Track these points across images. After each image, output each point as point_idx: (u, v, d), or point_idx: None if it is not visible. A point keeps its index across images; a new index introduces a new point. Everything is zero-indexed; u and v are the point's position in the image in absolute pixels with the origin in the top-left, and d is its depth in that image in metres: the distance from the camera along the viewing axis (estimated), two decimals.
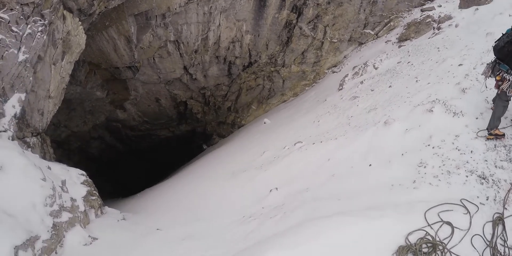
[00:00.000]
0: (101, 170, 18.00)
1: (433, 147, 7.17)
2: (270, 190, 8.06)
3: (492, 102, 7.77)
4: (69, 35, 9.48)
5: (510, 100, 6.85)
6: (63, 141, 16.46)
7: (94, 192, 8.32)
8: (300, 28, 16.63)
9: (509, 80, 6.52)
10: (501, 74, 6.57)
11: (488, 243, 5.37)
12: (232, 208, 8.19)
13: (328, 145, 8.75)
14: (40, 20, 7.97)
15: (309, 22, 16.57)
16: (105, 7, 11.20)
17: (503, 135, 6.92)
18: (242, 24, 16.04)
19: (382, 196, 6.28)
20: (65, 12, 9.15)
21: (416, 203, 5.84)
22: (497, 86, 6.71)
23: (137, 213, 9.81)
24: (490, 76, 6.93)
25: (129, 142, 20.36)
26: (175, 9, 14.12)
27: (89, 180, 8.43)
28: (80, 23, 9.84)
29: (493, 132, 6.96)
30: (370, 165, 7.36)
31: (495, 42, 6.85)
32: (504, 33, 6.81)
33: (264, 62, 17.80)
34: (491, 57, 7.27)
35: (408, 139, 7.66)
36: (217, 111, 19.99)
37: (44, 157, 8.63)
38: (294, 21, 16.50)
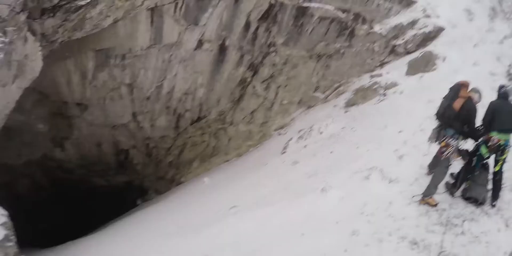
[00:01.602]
0: (25, 211, 16.97)
1: (366, 215, 7.48)
2: None
3: (427, 168, 8.33)
4: (26, 58, 9.33)
5: (449, 166, 7.38)
6: None
7: (12, 237, 7.65)
8: (254, 87, 17.31)
9: (453, 146, 7.07)
10: (446, 140, 7.10)
11: None
12: None
13: (264, 210, 8.90)
14: (1, 37, 7.94)
15: (263, 81, 17.31)
16: (69, 37, 11.22)
17: (435, 205, 7.39)
18: (198, 76, 16.45)
19: None
20: (28, 33, 9.11)
21: None
22: (441, 153, 7.21)
23: None
24: (435, 142, 7.48)
25: (61, 185, 19.54)
26: (137, 51, 14.34)
27: (10, 222, 7.80)
28: (40, 48, 9.76)
29: (426, 199, 7.42)
30: (303, 234, 7.52)
31: (438, 108, 7.49)
32: (443, 97, 7.50)
33: (213, 118, 18.15)
34: (431, 123, 7.85)
35: (343, 207, 7.97)
36: (158, 164, 19.80)
37: None
38: (249, 79, 17.20)
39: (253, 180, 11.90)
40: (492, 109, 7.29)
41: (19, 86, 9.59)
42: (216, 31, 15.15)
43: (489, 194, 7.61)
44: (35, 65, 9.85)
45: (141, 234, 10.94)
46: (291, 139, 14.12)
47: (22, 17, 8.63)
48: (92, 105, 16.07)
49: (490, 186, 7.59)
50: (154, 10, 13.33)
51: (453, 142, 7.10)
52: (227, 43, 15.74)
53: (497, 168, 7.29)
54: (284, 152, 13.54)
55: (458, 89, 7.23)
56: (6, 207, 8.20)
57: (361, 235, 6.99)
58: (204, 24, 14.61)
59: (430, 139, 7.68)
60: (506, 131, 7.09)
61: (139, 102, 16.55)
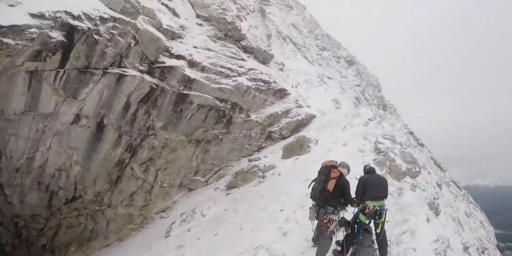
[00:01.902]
0: None
1: None
2: None
3: (312, 241, 8.78)
4: None
5: (333, 237, 7.87)
6: None
7: None
8: (132, 169, 17.02)
9: (335, 220, 7.63)
10: (327, 217, 7.62)
11: None
12: None
13: None
14: None
15: (142, 164, 17.16)
16: None
17: None
18: (73, 152, 15.81)
19: None
20: None
21: None
22: (326, 228, 7.70)
23: None
24: (316, 219, 7.97)
25: None
26: (9, 115, 13.47)
27: None
28: None
29: None
30: None
31: (311, 191, 8.09)
32: (314, 179, 8.16)
33: (89, 199, 17.21)
34: (309, 201, 8.40)
35: None
36: (30, 247, 17.64)
37: None
38: (127, 161, 16.90)
39: None
40: (363, 183, 8.20)
41: None
42: (95, 107, 15.11)
43: (377, 252, 8.25)
44: None
45: None
46: (174, 222, 13.92)
47: None
48: None
49: (376, 245, 8.26)
50: (33, 74, 12.99)
51: (334, 217, 7.74)
52: (105, 121, 15.70)
53: (378, 230, 8.03)
54: (168, 236, 13.22)
55: (328, 172, 7.99)
56: None
57: None
58: (84, 99, 14.56)
59: (310, 217, 8.22)
60: (378, 198, 7.98)
61: (7, 173, 15.28)
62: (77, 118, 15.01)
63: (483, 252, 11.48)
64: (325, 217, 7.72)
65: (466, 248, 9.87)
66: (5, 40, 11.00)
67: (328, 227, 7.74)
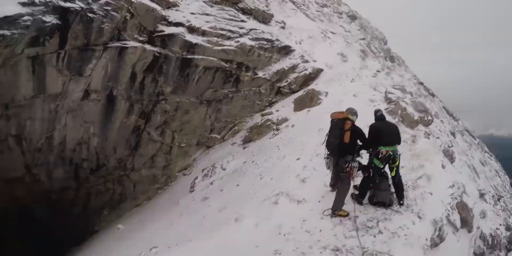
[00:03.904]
0: None
1: (284, 235, 7.65)
2: None
3: (330, 186, 8.84)
4: None
5: (351, 182, 7.92)
6: None
7: None
8: (149, 133, 17.08)
9: (355, 167, 7.71)
10: (349, 165, 7.63)
11: None
12: None
13: (183, 248, 8.63)
14: None
15: (157, 128, 17.18)
16: None
17: (347, 215, 7.87)
18: (89, 126, 15.86)
19: None
20: None
21: None
22: (350, 175, 7.73)
23: None
24: (334, 168, 8.00)
25: None
26: (20, 101, 13.48)
27: None
28: None
29: (337, 213, 7.86)
30: None
31: (327, 145, 8.05)
32: (328, 133, 8.12)
33: (113, 166, 17.44)
34: (324, 148, 8.41)
35: (260, 231, 8.05)
36: (66, 217, 18.17)
37: None
38: (143, 127, 16.93)
39: (167, 219, 11.50)
40: (374, 129, 8.17)
41: None
42: (102, 81, 15.01)
43: (395, 196, 8.31)
44: None
45: None
46: (196, 178, 14.07)
47: None
48: None
49: (393, 189, 8.32)
50: (35, 59, 12.88)
51: (354, 164, 7.77)
52: (115, 93, 15.61)
53: (393, 174, 8.09)
54: (192, 191, 13.41)
55: (341, 125, 7.90)
56: None
57: (283, 253, 7.11)
58: (89, 75, 14.45)
59: (328, 167, 8.26)
60: (390, 144, 7.98)
61: (30, 155, 15.42)
62: (87, 93, 15.00)
63: (498, 200, 11.50)
64: (346, 166, 7.72)
65: (482, 195, 9.91)
66: (0, 32, 10.93)
67: (351, 174, 7.76)
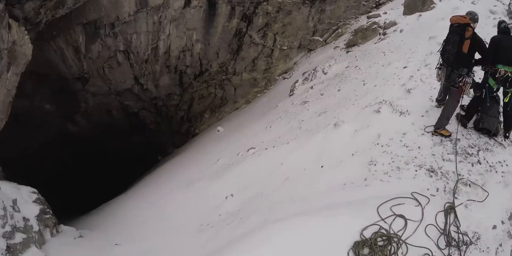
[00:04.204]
0: (55, 186, 17.06)
1: (382, 146, 7.41)
2: (226, 197, 8.03)
3: (436, 101, 8.19)
4: (15, 45, 8.97)
5: (461, 99, 7.25)
6: (12, 159, 15.56)
7: (48, 210, 7.89)
8: (250, 37, 16.81)
9: (469, 83, 6.94)
10: (463, 80, 6.91)
11: (441, 231, 5.59)
12: (189, 218, 8.09)
13: (280, 149, 8.84)
14: None
15: (259, 30, 16.78)
16: (52, 16, 10.82)
17: (449, 135, 7.30)
18: (192, 33, 15.96)
19: (335, 195, 6.40)
20: (10, 20, 8.67)
21: (369, 199, 5.99)
22: (461, 90, 7.05)
23: (94, 230, 9.50)
24: (446, 81, 7.29)
25: (82, 156, 19.50)
26: (124, 18, 13.86)
27: (42, 198, 7.99)
28: (26, 32, 9.35)
29: (439, 131, 7.34)
30: (322, 166, 7.49)
31: (442, 53, 7.25)
32: (445, 40, 7.24)
33: (215, 70, 17.77)
34: (434, 59, 7.62)
35: (358, 139, 7.88)
36: (170, 121, 19.66)
37: None
38: (244, 30, 16.64)
39: (266, 122, 11.74)
40: (495, 44, 7.08)
41: (15, 72, 9.22)
42: None
43: (502, 126, 7.58)
44: (26, 49, 9.38)
45: (166, 185, 11.00)
46: (296, 81, 13.83)
47: (0, 5, 8.12)
48: (92, 77, 15.78)
49: (502, 118, 7.56)
50: None
51: (469, 80, 6.95)
52: None
53: (506, 99, 7.19)
54: (292, 94, 13.32)
55: (462, 31, 6.89)
56: (35, 186, 8.30)
57: (379, 164, 6.94)
58: None
59: (440, 79, 7.50)
60: (511, 63, 6.92)
61: (138, 66, 16.16)
62: (188, 1, 14.73)
63: None
64: (460, 80, 6.92)
65: None
66: None
67: (463, 90, 7.01)
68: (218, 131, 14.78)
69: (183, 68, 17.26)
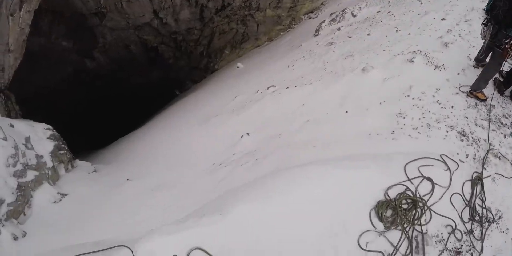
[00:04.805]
0: (73, 123, 16.11)
1: (412, 98, 6.27)
2: (242, 136, 7.02)
3: (475, 61, 6.94)
4: None
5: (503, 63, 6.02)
6: (29, 97, 14.51)
7: (63, 146, 7.29)
8: None
9: None
10: (510, 42, 5.60)
11: (467, 202, 4.67)
12: (203, 155, 7.16)
13: (302, 89, 7.69)
14: None
15: None
16: None
17: (485, 99, 6.17)
18: None
19: (359, 145, 5.40)
20: None
21: (395, 155, 5.01)
22: (506, 53, 5.74)
23: (109, 164, 8.78)
24: (490, 40, 5.94)
25: (100, 92, 18.31)
26: None
27: (56, 134, 7.35)
28: None
29: (475, 93, 6.19)
30: (346, 112, 6.42)
31: (491, 9, 5.84)
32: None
33: (238, 5, 15.91)
34: (475, 16, 6.26)
35: (387, 88, 6.71)
36: (190, 56, 18.04)
37: (9, 115, 7.76)
38: None
39: (288, 61, 10.38)
40: None
41: (28, 10, 8.13)
42: None
43: None
44: None
45: (182, 121, 9.99)
46: (323, 22, 12.18)
47: None
48: (110, 11, 14.16)
49: None
50: None
51: None
52: None
53: None
54: (317, 35, 11.76)
55: None
56: (53, 123, 7.75)
57: (408, 118, 5.86)
58: None
59: (484, 36, 6.12)
60: None
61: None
62: None
63: None
64: (507, 41, 5.56)
65: None
66: None
67: (509, 53, 5.66)
68: (237, 67, 13.39)
69: (205, 2, 15.43)
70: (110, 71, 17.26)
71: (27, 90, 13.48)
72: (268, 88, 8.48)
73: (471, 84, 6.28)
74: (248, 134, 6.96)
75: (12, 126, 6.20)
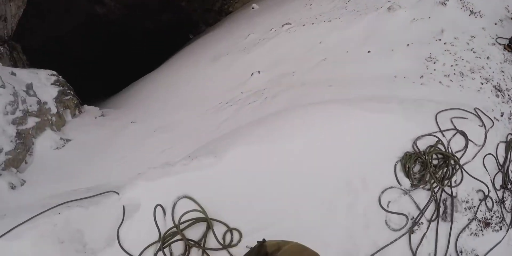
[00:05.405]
0: (86, 70, 14.57)
1: (444, 43, 5.02)
2: (252, 74, 5.79)
3: None
4: None
5: None
6: (38, 46, 12.89)
7: (69, 91, 6.29)
8: None
9: None
10: None
11: (500, 167, 3.61)
12: (210, 95, 5.99)
13: (320, 27, 6.32)
14: None
15: None
16: None
17: None
18: None
19: (383, 87, 4.25)
20: None
21: (425, 101, 3.90)
22: None
23: (118, 108, 7.60)
24: None
25: (112, 38, 16.48)
26: None
27: (62, 79, 6.32)
28: None
29: None
30: (369, 51, 5.17)
31: None
32: None
33: None
34: None
35: (415, 29, 5.40)
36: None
37: (15, 65, 7.03)
38: None
39: (306, 0, 8.81)
40: None
41: None
42: None
43: None
44: None
45: (192, 61, 8.59)
46: None
47: None
48: None
49: None
50: None
51: None
52: None
53: None
54: None
55: None
56: (65, 71, 6.89)
57: (439, 63, 4.66)
58: None
59: None
60: None
61: None
62: None
63: None
64: None
65: None
66: None
67: None
68: (252, 8, 11.66)
69: None
70: (121, 16, 15.35)
71: (36, 40, 12.24)
72: (283, 26, 7.08)
73: (509, 37, 5.05)
74: (259, 71, 5.72)
75: (13, 74, 5.41)
